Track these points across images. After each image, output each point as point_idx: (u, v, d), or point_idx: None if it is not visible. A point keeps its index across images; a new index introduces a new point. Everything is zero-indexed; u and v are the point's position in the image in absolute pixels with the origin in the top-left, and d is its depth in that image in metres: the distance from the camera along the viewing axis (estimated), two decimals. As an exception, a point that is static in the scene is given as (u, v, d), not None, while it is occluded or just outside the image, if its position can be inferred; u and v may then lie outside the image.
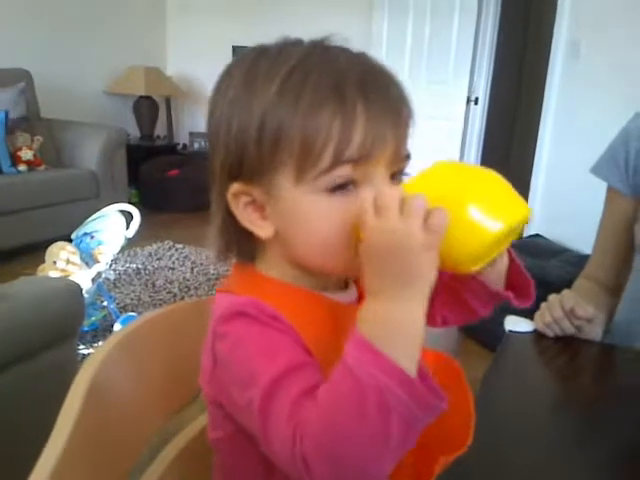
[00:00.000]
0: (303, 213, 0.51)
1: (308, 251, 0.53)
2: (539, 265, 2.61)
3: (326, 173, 0.49)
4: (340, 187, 0.50)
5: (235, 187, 0.53)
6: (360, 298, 0.60)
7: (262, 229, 0.54)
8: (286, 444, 0.44)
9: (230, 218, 0.55)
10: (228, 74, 0.55)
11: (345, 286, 0.60)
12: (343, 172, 0.50)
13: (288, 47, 0.53)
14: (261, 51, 0.54)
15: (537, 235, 3.35)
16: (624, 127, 1.11)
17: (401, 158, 0.53)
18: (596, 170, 1.16)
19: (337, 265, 0.53)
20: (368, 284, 0.47)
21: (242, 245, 0.56)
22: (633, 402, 0.86)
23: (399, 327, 0.44)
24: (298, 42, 0.54)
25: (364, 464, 0.43)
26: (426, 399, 0.43)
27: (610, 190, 1.15)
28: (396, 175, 0.53)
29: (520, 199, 0.49)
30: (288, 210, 0.52)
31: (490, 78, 4.17)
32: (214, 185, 0.56)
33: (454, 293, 0.60)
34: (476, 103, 4.11)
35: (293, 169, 0.50)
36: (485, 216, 0.47)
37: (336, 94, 0.49)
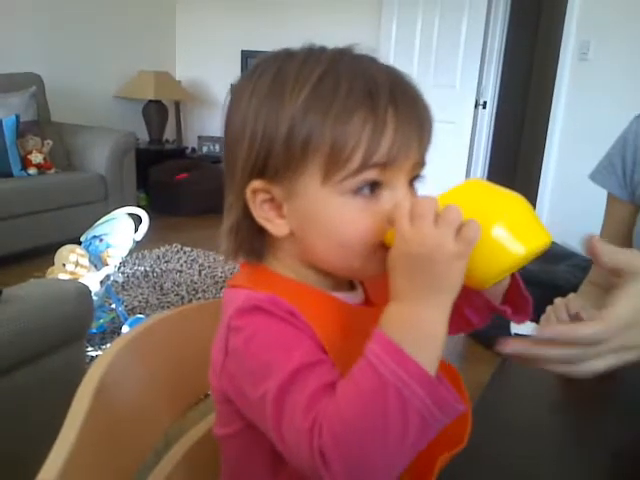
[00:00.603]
0: (326, 213, 0.52)
1: (326, 251, 0.54)
2: (548, 269, 2.60)
3: (353, 176, 0.51)
4: (364, 190, 0.51)
5: (255, 184, 0.53)
6: (367, 300, 0.61)
7: (278, 227, 0.55)
8: (303, 437, 0.45)
9: (246, 216, 0.55)
10: (254, 74, 0.55)
11: (351, 287, 0.61)
12: (369, 175, 0.51)
13: (315, 53, 0.54)
14: (288, 55, 0.54)
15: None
16: (621, 133, 1.11)
17: (420, 165, 0.55)
18: (594, 177, 1.15)
19: (352, 266, 0.54)
20: (395, 287, 0.48)
21: (254, 243, 0.57)
22: (637, 405, 0.86)
23: (424, 331, 0.46)
24: (323, 49, 0.55)
25: (381, 460, 0.43)
26: (445, 400, 0.44)
27: (609, 196, 1.15)
28: (413, 180, 0.55)
29: (543, 226, 0.50)
30: (310, 210, 0.53)
31: (498, 82, 4.16)
32: (232, 182, 0.56)
33: (455, 305, 0.61)
34: (484, 107, 4.11)
35: (320, 171, 0.51)
36: (510, 238, 0.48)
37: (368, 101, 0.50)
